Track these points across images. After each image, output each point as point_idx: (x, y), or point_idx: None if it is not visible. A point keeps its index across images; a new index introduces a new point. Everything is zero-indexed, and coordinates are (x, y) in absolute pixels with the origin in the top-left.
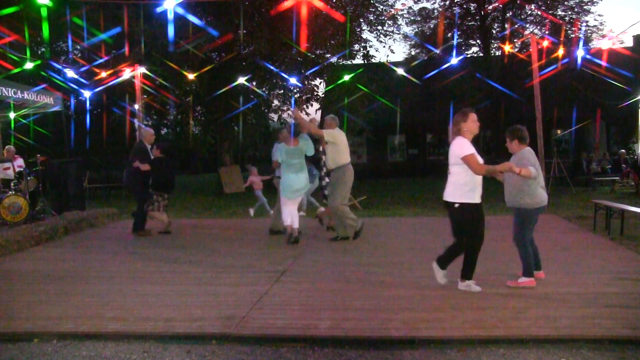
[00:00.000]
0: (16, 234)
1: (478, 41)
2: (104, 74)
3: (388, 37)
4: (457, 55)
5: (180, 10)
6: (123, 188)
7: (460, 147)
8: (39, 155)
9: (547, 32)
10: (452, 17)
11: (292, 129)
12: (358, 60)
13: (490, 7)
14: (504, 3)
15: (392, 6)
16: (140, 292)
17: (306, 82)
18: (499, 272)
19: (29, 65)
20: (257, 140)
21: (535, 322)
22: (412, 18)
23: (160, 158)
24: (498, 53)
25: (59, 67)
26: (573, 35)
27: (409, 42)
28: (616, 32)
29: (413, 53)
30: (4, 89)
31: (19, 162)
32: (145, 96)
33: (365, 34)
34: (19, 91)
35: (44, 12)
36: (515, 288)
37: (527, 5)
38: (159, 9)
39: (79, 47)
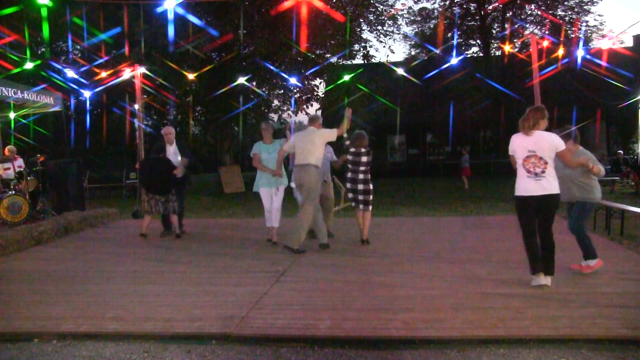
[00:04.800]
0: (16, 234)
1: (478, 41)
2: (104, 74)
3: (388, 37)
4: (457, 55)
5: (180, 10)
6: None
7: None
8: (38, 155)
9: (547, 32)
10: (452, 17)
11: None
12: (358, 60)
13: (490, 7)
14: (504, 3)
15: (392, 6)
16: (140, 292)
17: (306, 82)
18: (499, 272)
19: (29, 65)
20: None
21: (535, 322)
22: (412, 18)
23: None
24: (498, 53)
25: (59, 67)
26: (573, 35)
27: (409, 42)
28: (616, 32)
29: (413, 53)
30: (4, 89)
31: (19, 162)
32: (145, 96)
33: (365, 34)
34: (19, 91)
35: (44, 12)
36: (516, 288)
37: (527, 5)
38: (159, 9)
39: (79, 47)
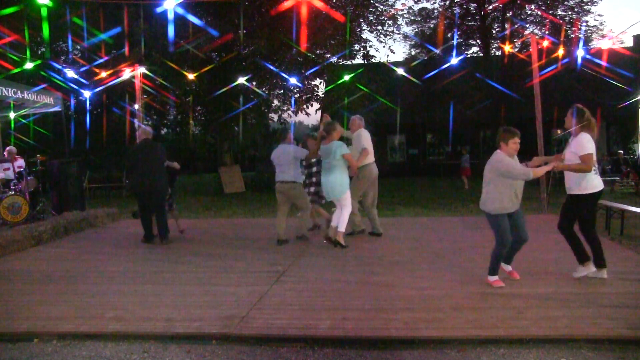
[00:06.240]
0: (16, 234)
1: (478, 41)
2: (104, 74)
3: (388, 37)
4: (457, 55)
5: (180, 10)
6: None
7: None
8: (38, 155)
9: (547, 32)
10: (452, 17)
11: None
12: (358, 60)
13: (490, 7)
14: (504, 3)
15: (392, 6)
16: (140, 292)
17: (306, 82)
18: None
19: (29, 65)
20: (257, 140)
21: (535, 322)
22: (412, 18)
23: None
24: (498, 53)
25: (59, 67)
26: (573, 35)
27: (409, 42)
28: (616, 32)
29: (413, 53)
30: (4, 89)
31: (20, 162)
32: (145, 96)
33: (365, 34)
34: (19, 91)
35: (44, 12)
36: (516, 288)
37: (527, 5)
38: (159, 9)
39: (79, 47)
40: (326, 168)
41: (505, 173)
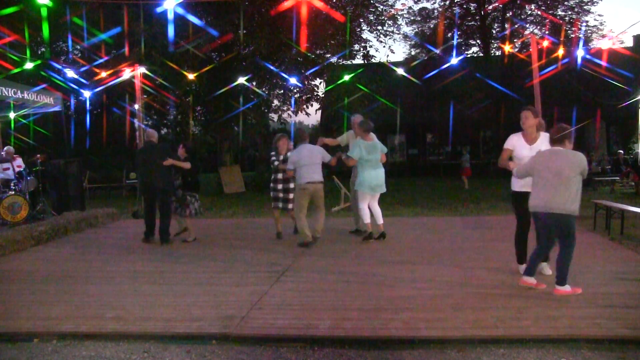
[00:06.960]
0: (16, 234)
1: (478, 41)
2: (104, 74)
3: (388, 37)
4: (457, 55)
5: (180, 10)
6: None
7: None
8: (38, 155)
9: (547, 32)
10: (452, 17)
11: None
12: (358, 60)
13: (490, 7)
14: (504, 3)
15: (392, 6)
16: (140, 292)
17: (306, 82)
18: (499, 272)
19: (29, 65)
20: (257, 140)
21: (535, 322)
22: (412, 18)
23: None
24: (498, 53)
25: (59, 67)
26: (573, 35)
27: (409, 42)
28: (616, 32)
29: (413, 53)
30: (4, 89)
31: (18, 162)
32: (145, 96)
33: (365, 34)
34: (19, 91)
35: (44, 12)
36: (516, 288)
37: (527, 5)
38: (159, 9)
39: (79, 47)
40: (373, 164)
41: (584, 172)
